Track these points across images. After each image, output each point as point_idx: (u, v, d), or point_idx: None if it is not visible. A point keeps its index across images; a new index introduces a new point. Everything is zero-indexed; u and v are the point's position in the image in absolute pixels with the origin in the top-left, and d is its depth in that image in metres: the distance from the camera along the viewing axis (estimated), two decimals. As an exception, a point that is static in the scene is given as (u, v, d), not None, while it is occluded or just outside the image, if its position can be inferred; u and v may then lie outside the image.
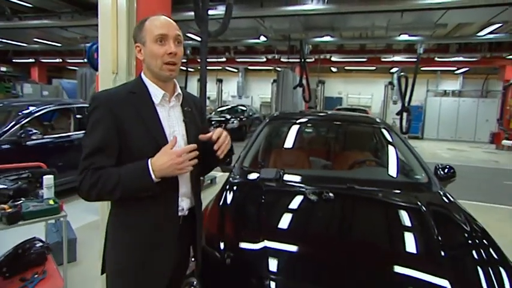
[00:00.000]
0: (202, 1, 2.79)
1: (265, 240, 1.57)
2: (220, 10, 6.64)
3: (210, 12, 3.06)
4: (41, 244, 2.54)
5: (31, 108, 4.54)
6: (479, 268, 1.46)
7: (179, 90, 1.28)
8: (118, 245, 1.22)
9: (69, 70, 20.16)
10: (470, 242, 1.71)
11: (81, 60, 12.67)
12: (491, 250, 1.59)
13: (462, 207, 2.00)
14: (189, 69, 9.28)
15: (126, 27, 1.94)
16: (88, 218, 3.89)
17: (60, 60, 17.34)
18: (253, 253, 1.55)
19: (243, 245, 1.64)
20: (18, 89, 13.95)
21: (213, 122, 12.30)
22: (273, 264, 1.46)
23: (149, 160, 1.11)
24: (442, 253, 1.53)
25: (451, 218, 1.88)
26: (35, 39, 13.00)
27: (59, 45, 13.93)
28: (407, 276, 1.43)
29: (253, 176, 2.36)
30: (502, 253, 1.58)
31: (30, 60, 17.66)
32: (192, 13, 3.45)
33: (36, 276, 2.31)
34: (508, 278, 1.40)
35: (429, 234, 1.67)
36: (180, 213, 1.25)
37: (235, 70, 20.24)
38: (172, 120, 1.25)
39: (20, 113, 4.38)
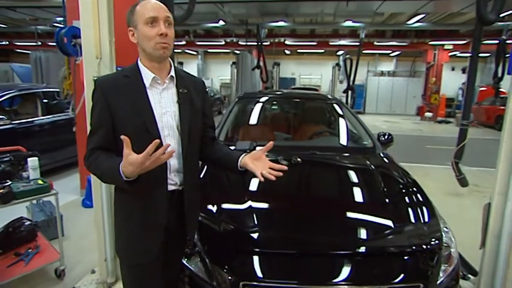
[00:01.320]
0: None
1: (249, 201, 1.74)
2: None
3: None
4: (29, 222, 2.49)
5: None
6: (410, 208, 1.80)
7: (172, 73, 1.26)
8: (120, 211, 1.30)
9: (19, 53, 17.90)
10: (404, 190, 2.03)
11: (33, 43, 11.34)
12: (418, 195, 1.94)
13: (399, 165, 2.34)
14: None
15: (107, 13, 1.87)
16: (68, 198, 3.78)
17: (7, 42, 15.32)
18: (240, 212, 1.72)
19: (232, 206, 1.80)
20: (-39, 73, 12.13)
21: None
22: (257, 219, 1.64)
23: (121, 165, 1.04)
24: (387, 200, 1.85)
25: (391, 173, 2.20)
26: (-25, 20, 11.33)
27: (5, 26, 12.29)
28: (362, 219, 1.72)
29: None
30: (426, 197, 1.92)
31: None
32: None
33: (30, 250, 2.30)
34: (427, 213, 1.76)
35: (377, 187, 1.97)
36: (172, 188, 1.26)
37: (195, 53, 19.55)
38: (165, 102, 1.23)
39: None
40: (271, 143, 1.25)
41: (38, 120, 4.50)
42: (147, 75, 1.21)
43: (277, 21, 10.57)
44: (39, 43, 11.55)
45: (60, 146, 4.63)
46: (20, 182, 2.21)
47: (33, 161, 2.30)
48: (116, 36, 1.99)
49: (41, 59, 9.98)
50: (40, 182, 2.21)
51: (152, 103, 1.20)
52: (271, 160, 1.28)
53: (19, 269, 2.13)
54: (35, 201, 2.89)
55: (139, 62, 1.24)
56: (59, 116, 4.74)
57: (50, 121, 4.61)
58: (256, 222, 1.62)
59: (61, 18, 9.72)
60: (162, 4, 1.19)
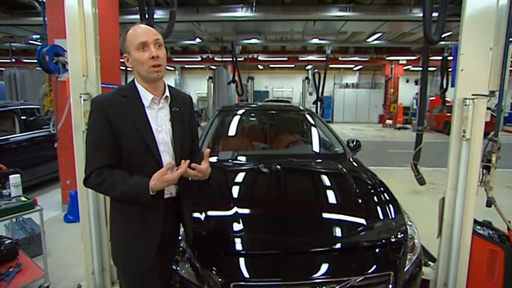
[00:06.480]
0: (148, 7, 2.70)
1: (235, 207, 1.76)
2: (158, 15, 6.35)
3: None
4: (9, 241, 2.34)
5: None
6: (379, 207, 1.90)
7: (167, 93, 1.28)
8: (118, 221, 1.28)
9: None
10: (373, 191, 2.13)
11: (7, 60, 10.68)
12: (385, 194, 2.05)
13: (367, 168, 2.47)
14: (129, 68, 8.67)
15: (93, 33, 1.85)
16: (49, 214, 3.57)
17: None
18: (227, 218, 1.72)
19: (220, 213, 1.81)
20: None
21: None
22: (243, 224, 1.66)
23: (150, 183, 1.14)
24: (359, 200, 1.94)
25: (362, 176, 2.30)
26: None
27: (-24, 43, 11.49)
28: (338, 219, 1.80)
29: (212, 158, 2.49)
30: (392, 195, 2.04)
31: None
32: (134, 16, 3.31)
33: (11, 269, 2.16)
34: (393, 210, 1.87)
35: (349, 189, 2.06)
36: (167, 195, 1.28)
37: (172, 68, 19.37)
38: (160, 120, 1.25)
39: None
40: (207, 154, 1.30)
41: (16, 137, 4.24)
42: (145, 96, 1.23)
43: (251, 39, 10.80)
44: (14, 60, 10.90)
45: (39, 162, 4.38)
46: (0, 200, 2.08)
47: (15, 178, 2.18)
48: (100, 54, 1.98)
49: (15, 76, 9.46)
50: (23, 198, 2.09)
51: (150, 121, 1.22)
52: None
53: (1, 289, 1.99)
54: (14, 219, 2.72)
55: (136, 83, 1.25)
56: (39, 132, 4.49)
57: (29, 137, 4.35)
58: (242, 227, 1.64)
59: (37, 36, 9.35)
60: (150, 27, 1.21)
